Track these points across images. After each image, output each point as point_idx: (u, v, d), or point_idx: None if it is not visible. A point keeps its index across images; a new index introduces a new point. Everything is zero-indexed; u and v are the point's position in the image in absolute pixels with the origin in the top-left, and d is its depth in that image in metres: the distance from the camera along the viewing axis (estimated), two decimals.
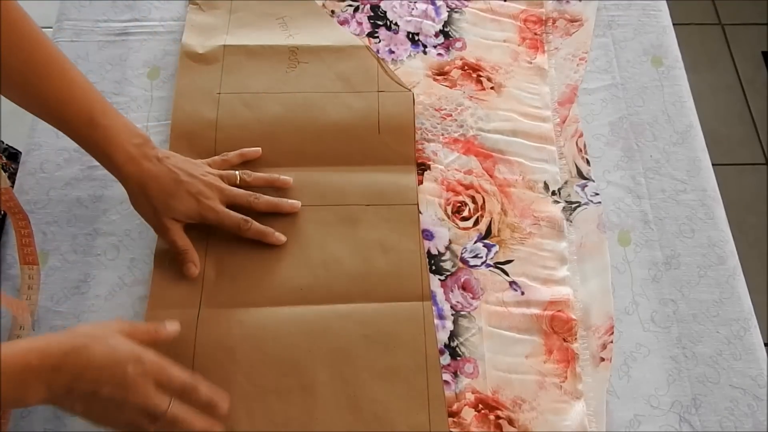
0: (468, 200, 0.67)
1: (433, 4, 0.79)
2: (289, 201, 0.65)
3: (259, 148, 0.67)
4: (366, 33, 0.77)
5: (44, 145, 0.69)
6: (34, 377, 0.46)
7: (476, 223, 0.66)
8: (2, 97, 0.57)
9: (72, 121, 0.57)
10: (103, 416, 0.49)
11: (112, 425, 0.50)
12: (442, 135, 0.71)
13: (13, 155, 0.80)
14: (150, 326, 0.54)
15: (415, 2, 0.79)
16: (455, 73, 0.74)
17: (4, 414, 0.56)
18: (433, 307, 0.62)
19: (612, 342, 0.61)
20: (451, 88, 0.73)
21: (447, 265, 0.64)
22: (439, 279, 0.63)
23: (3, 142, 0.76)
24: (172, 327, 0.55)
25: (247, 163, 0.67)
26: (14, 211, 0.63)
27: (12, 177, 0.69)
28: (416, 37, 0.77)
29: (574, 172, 0.69)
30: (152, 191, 0.59)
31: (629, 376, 0.60)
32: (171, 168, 0.60)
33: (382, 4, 0.79)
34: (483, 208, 0.67)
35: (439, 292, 0.63)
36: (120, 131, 0.58)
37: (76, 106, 0.57)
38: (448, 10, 0.79)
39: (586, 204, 0.68)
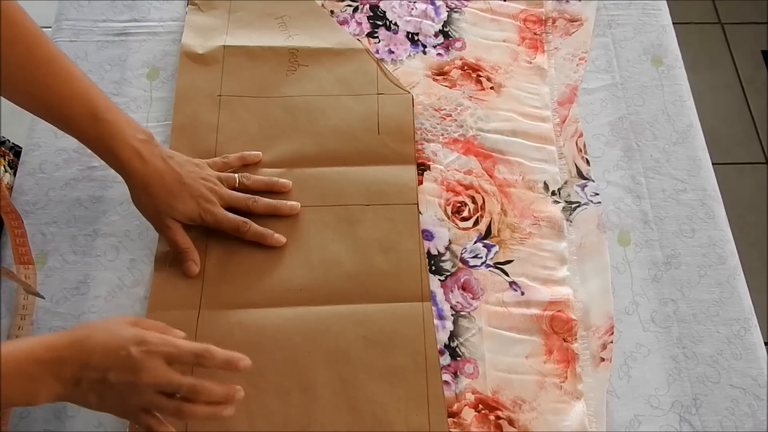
0: (468, 200, 0.67)
1: (433, 4, 0.79)
2: (288, 203, 0.65)
3: (260, 153, 0.68)
4: (365, 33, 0.76)
5: (43, 146, 0.69)
6: (43, 370, 0.47)
7: (476, 223, 0.66)
8: (2, 97, 0.57)
9: (75, 117, 0.57)
10: (119, 403, 0.50)
11: (131, 411, 0.50)
12: (442, 135, 0.71)
13: (20, 152, 0.80)
14: (157, 322, 0.54)
15: (414, 2, 0.79)
16: (455, 73, 0.74)
17: (4, 414, 0.56)
18: (433, 308, 0.61)
19: (612, 342, 0.61)
20: (450, 88, 0.73)
21: (447, 265, 0.64)
22: (439, 279, 0.63)
23: (9, 140, 0.76)
24: (180, 333, 0.55)
25: (247, 165, 0.67)
26: (6, 210, 0.63)
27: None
28: (416, 37, 0.76)
29: (574, 172, 0.69)
30: (155, 190, 0.59)
31: (629, 376, 0.60)
32: (175, 168, 0.60)
33: (381, 4, 0.78)
34: (483, 208, 0.67)
35: (439, 293, 0.63)
36: (124, 127, 0.58)
37: (79, 102, 0.57)
38: (448, 10, 0.78)
39: (585, 204, 0.68)
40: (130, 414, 0.51)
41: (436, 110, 0.72)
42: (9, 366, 0.46)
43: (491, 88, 0.74)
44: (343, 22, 0.77)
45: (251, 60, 0.73)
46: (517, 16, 0.78)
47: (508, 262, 0.64)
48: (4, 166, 0.71)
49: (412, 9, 0.78)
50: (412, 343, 0.59)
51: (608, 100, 0.74)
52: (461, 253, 0.65)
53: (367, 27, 0.77)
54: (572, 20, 0.78)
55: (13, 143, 0.76)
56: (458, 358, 0.60)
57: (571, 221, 0.67)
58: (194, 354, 0.51)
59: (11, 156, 0.74)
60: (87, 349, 0.48)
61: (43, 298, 0.61)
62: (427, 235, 0.65)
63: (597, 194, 0.68)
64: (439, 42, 0.76)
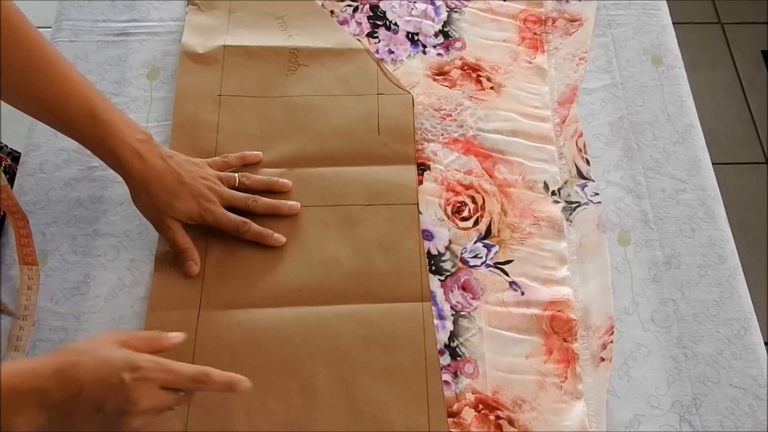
0: (468, 200, 0.67)
1: (433, 4, 0.79)
2: (288, 203, 0.65)
3: (260, 153, 0.68)
4: (365, 33, 0.76)
5: (43, 146, 0.69)
6: (22, 400, 0.44)
7: (476, 223, 0.66)
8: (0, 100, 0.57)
9: (73, 118, 0.57)
10: (112, 429, 0.47)
11: None
12: (442, 135, 0.71)
13: (17, 158, 0.80)
14: (149, 334, 0.51)
15: (414, 2, 0.79)
16: (455, 73, 0.74)
17: None
18: (433, 308, 0.61)
19: (612, 342, 0.61)
20: (450, 88, 0.73)
21: (447, 265, 0.64)
22: (439, 279, 0.63)
23: (7, 146, 0.76)
24: (175, 337, 0.52)
25: (247, 164, 0.67)
26: (13, 210, 0.63)
27: (14, 179, 0.69)
28: (416, 37, 0.76)
29: (574, 171, 0.69)
30: (155, 189, 0.59)
31: (629, 376, 0.60)
32: (175, 168, 0.60)
33: (381, 4, 0.78)
34: (483, 208, 0.67)
35: (439, 293, 0.63)
36: (123, 127, 0.58)
37: (77, 103, 0.57)
38: (448, 10, 0.78)
39: (585, 204, 0.68)
40: None
41: (436, 110, 0.72)
42: None
43: (491, 88, 0.74)
44: (343, 22, 0.77)
45: (251, 60, 0.73)
46: (517, 16, 0.78)
47: (508, 262, 0.64)
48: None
49: (412, 9, 0.78)
50: (412, 343, 0.59)
51: (608, 100, 0.74)
52: (461, 253, 0.65)
53: (367, 27, 0.77)
54: (572, 20, 0.78)
55: (11, 149, 0.76)
56: (458, 358, 0.60)
57: (571, 221, 0.67)
58: (191, 379, 0.48)
59: (8, 161, 0.74)
60: (76, 380, 0.45)
61: (17, 317, 0.60)
62: (427, 235, 0.65)
63: (597, 194, 0.68)
64: (439, 42, 0.76)
